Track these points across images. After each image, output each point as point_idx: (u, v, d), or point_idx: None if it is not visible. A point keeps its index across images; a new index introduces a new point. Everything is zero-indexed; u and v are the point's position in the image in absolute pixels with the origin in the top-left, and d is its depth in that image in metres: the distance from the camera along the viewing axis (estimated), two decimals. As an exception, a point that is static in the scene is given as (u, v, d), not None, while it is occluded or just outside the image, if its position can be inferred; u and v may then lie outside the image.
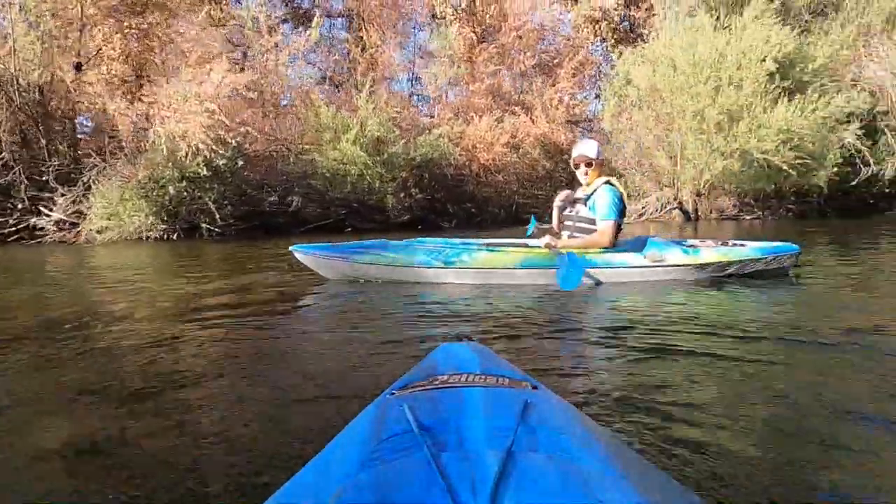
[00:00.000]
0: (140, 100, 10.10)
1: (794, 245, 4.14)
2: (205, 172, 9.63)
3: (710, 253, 3.99)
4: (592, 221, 4.01)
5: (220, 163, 9.56)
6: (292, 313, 3.51)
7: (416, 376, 0.84)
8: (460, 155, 13.19)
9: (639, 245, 4.04)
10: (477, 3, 16.41)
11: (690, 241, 4.29)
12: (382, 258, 4.19)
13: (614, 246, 4.03)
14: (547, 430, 0.61)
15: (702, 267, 3.96)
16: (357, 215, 11.93)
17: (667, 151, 12.58)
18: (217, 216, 10.23)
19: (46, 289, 4.84)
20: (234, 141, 9.45)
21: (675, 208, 13.59)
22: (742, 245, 4.12)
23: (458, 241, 4.49)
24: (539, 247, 4.13)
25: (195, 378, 2.15)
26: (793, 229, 9.59)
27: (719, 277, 3.99)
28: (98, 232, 9.65)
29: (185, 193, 9.92)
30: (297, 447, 1.48)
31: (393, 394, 0.78)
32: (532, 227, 4.81)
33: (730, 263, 3.98)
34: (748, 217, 13.65)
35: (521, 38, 15.56)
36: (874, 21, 12.86)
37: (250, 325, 3.07)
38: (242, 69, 11.45)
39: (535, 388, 0.77)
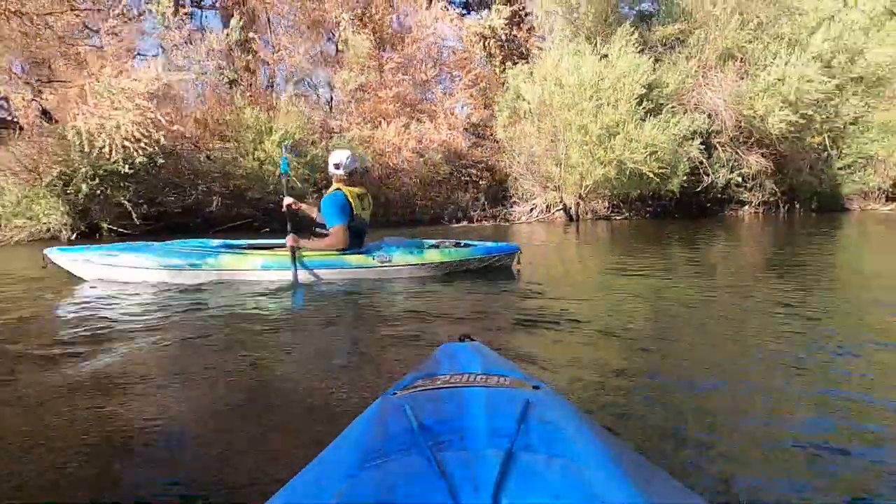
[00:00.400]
0: (49, 92, 9.39)
1: (515, 245, 4.91)
2: (126, 170, 9.30)
3: (434, 253, 4.52)
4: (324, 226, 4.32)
5: (140, 160, 9.29)
6: (294, 312, 3.51)
7: (417, 376, 0.84)
8: (372, 158, 13.84)
9: (374, 248, 4.47)
10: (373, 11, 17.05)
11: (431, 242, 4.85)
12: (142, 260, 4.32)
13: (349, 247, 4.34)
14: (548, 430, 0.61)
15: (425, 266, 4.49)
16: (276, 216, 11.99)
17: (554, 159, 14.35)
18: (134, 215, 9.88)
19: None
20: (160, 137, 9.21)
21: (559, 210, 15.52)
22: (469, 245, 4.76)
23: (216, 242, 4.73)
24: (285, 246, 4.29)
25: (193, 378, 2.15)
26: (649, 228, 11.04)
27: (448, 273, 4.55)
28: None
29: (99, 191, 9.48)
30: (298, 447, 1.46)
31: (395, 393, 0.77)
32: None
33: (452, 262, 4.54)
34: (618, 217, 15.94)
35: (420, 49, 16.54)
36: (710, 57, 15.77)
37: (253, 326, 3.06)
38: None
39: (536, 387, 0.77)
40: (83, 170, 9.19)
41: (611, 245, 8.08)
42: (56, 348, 2.63)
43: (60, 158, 9.05)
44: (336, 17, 17.91)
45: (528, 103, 14.41)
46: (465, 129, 17.41)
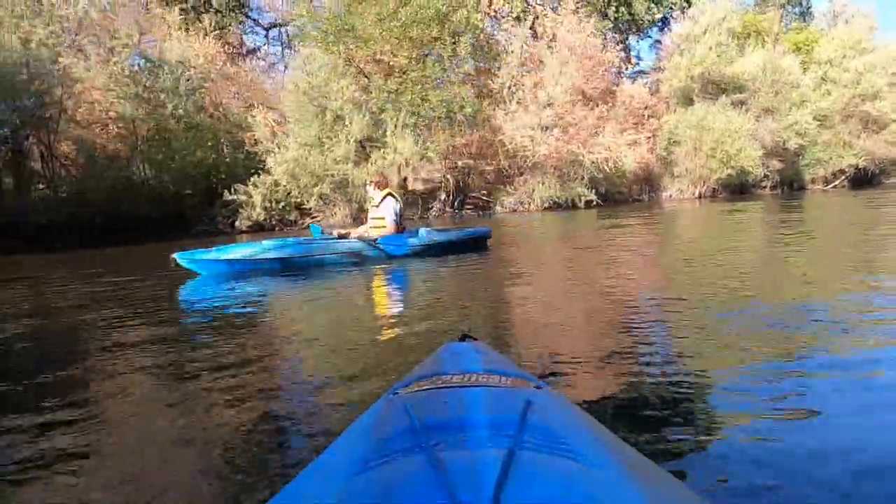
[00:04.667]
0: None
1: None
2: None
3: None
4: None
5: None
6: (296, 312, 3.53)
7: (419, 376, 0.83)
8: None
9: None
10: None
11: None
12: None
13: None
14: (549, 429, 0.60)
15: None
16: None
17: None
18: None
19: None
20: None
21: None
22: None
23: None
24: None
25: (202, 374, 2.14)
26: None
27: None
28: None
29: None
30: (300, 446, 1.45)
31: (396, 393, 0.76)
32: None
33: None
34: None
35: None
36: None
37: (258, 324, 3.08)
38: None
39: (538, 387, 0.76)
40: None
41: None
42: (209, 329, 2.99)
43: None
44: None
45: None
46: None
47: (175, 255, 5.24)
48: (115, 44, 13.84)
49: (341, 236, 5.88)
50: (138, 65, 14.37)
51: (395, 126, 14.81)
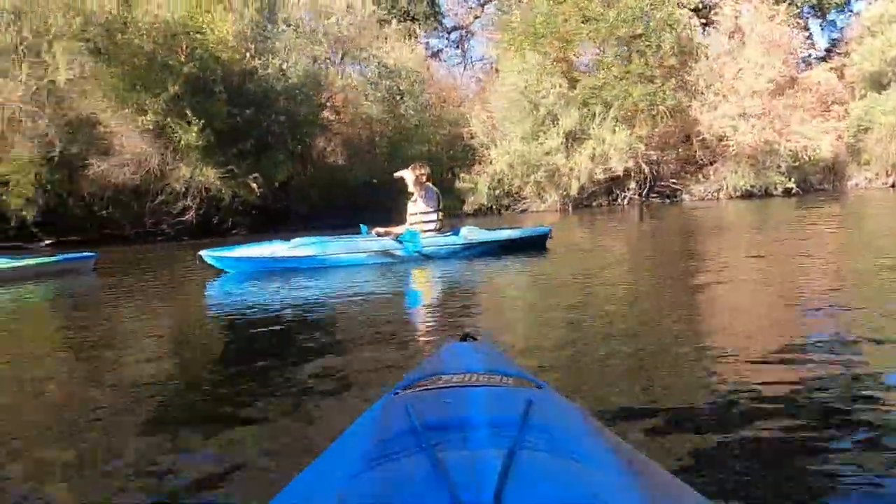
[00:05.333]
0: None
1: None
2: None
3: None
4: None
5: None
6: (298, 312, 3.52)
7: (420, 375, 0.82)
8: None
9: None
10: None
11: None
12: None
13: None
14: (550, 429, 0.60)
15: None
16: None
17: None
18: None
19: None
20: None
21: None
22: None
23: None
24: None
25: (203, 377, 2.19)
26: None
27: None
28: None
29: None
30: (300, 446, 1.44)
31: (397, 393, 0.76)
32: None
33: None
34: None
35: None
36: None
37: (259, 324, 3.15)
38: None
39: (539, 387, 0.76)
40: None
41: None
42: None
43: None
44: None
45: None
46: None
47: (201, 253, 5.24)
48: (363, 54, 16.20)
49: (380, 235, 5.62)
50: (378, 72, 16.68)
51: (601, 119, 15.96)
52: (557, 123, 15.99)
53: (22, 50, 10.71)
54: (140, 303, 4.41)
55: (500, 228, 6.41)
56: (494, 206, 16.26)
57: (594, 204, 16.74)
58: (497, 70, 19.54)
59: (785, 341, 2.25)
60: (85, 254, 6.59)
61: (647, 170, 17.24)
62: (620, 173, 16.03)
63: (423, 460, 0.51)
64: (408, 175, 5.50)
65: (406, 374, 0.86)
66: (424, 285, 4.60)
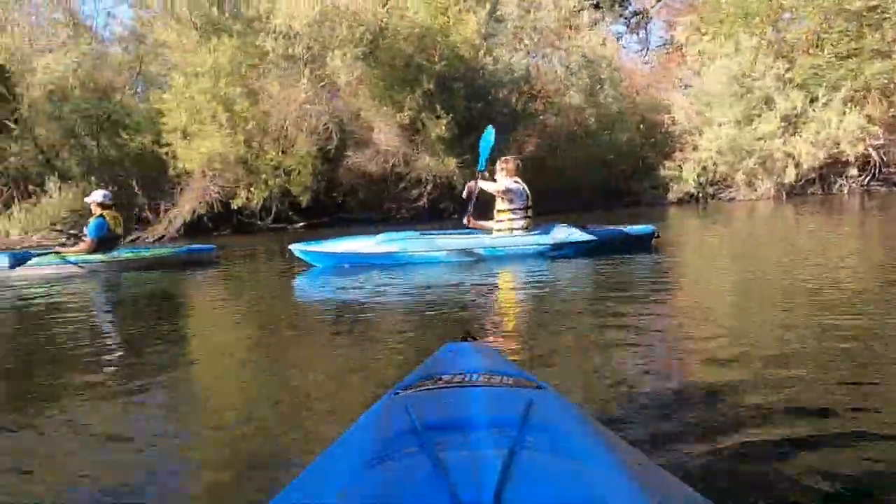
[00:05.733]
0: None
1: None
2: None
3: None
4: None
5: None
6: (296, 311, 3.62)
7: (420, 375, 0.83)
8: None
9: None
10: None
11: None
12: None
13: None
14: (550, 430, 0.60)
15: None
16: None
17: None
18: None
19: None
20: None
21: None
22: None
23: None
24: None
25: (196, 375, 2.20)
26: None
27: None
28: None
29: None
30: (300, 446, 1.45)
31: (398, 393, 0.77)
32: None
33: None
34: None
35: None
36: None
37: (255, 325, 3.20)
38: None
39: (539, 387, 0.75)
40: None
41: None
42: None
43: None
44: None
45: None
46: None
47: (291, 247, 5.41)
48: (564, 45, 16.60)
49: (474, 226, 5.40)
50: (578, 62, 16.99)
51: (825, 100, 14.96)
52: (773, 107, 15.28)
53: (307, 58, 12.61)
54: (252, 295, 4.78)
55: (599, 226, 5.60)
56: (700, 194, 15.99)
57: (809, 192, 15.80)
58: (683, 53, 19.00)
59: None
60: (206, 246, 7.22)
61: (874, 155, 15.89)
62: (851, 158, 14.93)
63: (423, 460, 0.52)
64: (497, 171, 5.32)
65: (407, 373, 0.87)
66: (480, 287, 4.17)
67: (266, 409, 1.80)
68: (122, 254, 6.39)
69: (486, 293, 3.97)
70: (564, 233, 5.14)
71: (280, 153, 12.92)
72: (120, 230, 6.66)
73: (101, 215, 6.30)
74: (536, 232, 5.22)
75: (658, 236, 5.53)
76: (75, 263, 6.14)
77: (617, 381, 1.87)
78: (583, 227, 5.27)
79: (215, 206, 12.67)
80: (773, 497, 1.15)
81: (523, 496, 0.45)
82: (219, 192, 12.66)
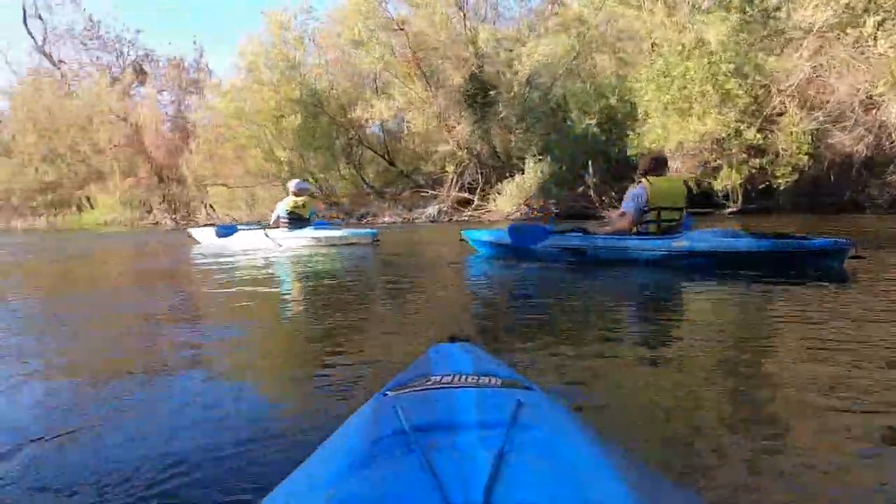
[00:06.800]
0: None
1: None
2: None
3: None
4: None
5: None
6: (293, 312, 3.53)
7: (409, 376, 0.83)
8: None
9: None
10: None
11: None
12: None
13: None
14: (539, 430, 0.60)
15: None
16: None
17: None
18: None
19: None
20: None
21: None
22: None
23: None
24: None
25: (182, 374, 2.13)
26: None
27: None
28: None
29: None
30: (288, 447, 1.44)
31: (386, 394, 0.76)
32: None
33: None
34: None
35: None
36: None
37: (247, 322, 3.10)
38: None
39: (527, 388, 0.76)
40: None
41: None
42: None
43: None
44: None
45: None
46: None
47: (462, 232, 5.94)
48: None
49: (604, 229, 5.03)
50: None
51: None
52: None
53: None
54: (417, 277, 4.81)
55: (753, 234, 4.27)
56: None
57: None
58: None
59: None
60: (369, 230, 8.11)
61: None
62: None
63: (412, 461, 0.52)
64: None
65: (396, 374, 0.87)
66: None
67: (251, 411, 1.74)
68: (315, 230, 7.77)
69: (485, 293, 3.96)
70: (702, 240, 4.27)
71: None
72: (306, 213, 8.08)
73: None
74: (664, 237, 4.56)
75: (857, 254, 4.00)
76: (272, 239, 7.71)
77: (607, 385, 1.86)
78: (728, 235, 4.29)
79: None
80: (764, 500, 1.15)
81: (512, 497, 0.45)
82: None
